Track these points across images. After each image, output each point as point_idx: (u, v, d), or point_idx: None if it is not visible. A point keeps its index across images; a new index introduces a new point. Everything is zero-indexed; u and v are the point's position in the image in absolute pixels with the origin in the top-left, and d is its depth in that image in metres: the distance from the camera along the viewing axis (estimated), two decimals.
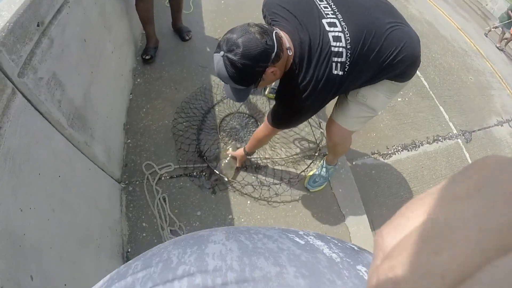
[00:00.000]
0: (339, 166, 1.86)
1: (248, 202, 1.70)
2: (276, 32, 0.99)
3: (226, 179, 1.72)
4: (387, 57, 1.07)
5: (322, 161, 1.75)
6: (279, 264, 0.26)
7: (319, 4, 1.05)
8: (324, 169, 1.71)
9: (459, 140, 2.67)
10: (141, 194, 1.64)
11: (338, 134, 1.39)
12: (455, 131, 2.71)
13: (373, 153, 2.22)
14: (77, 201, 1.17)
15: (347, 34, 1.00)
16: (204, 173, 1.75)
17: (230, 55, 0.95)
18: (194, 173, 1.75)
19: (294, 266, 0.25)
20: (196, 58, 2.24)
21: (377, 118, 2.51)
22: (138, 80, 2.00)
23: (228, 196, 1.71)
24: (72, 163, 1.20)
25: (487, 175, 0.15)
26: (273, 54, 0.96)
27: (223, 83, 1.09)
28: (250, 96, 2.04)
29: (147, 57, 2.03)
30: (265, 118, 1.35)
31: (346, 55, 1.00)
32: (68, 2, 1.13)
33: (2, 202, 0.81)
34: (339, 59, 1.00)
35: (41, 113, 1.04)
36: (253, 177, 1.77)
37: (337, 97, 1.37)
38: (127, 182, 1.66)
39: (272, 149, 1.88)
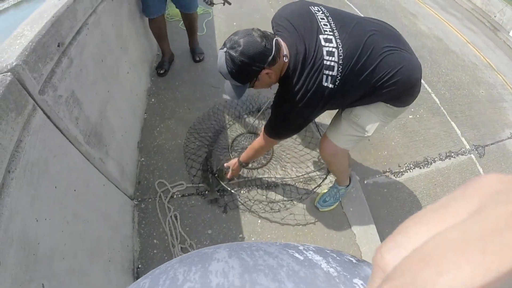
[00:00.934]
0: (350, 185, 1.82)
1: (259, 221, 1.68)
2: (276, 39, 1.07)
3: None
4: (380, 78, 1.10)
5: (333, 182, 1.74)
6: (278, 280, 0.26)
7: (320, 21, 1.11)
8: (334, 190, 1.70)
9: (472, 155, 2.60)
10: (153, 212, 1.65)
11: (328, 149, 1.41)
12: (467, 146, 2.65)
13: (384, 172, 2.19)
14: (90, 215, 1.19)
15: (340, 50, 1.06)
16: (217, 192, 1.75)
17: (231, 52, 1.04)
18: (206, 192, 1.75)
19: (293, 282, 0.26)
20: (209, 79, 2.32)
21: (388, 136, 2.51)
22: (152, 100, 2.08)
23: (238, 215, 1.69)
24: (87, 178, 1.23)
25: (488, 194, 0.15)
26: (270, 57, 1.04)
27: (229, 96, 1.20)
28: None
29: (161, 71, 2.14)
30: (262, 129, 1.39)
31: (338, 70, 1.06)
32: (87, 24, 1.21)
33: (20, 211, 0.84)
34: (330, 72, 1.06)
35: (59, 129, 1.09)
36: (263, 196, 1.75)
37: (334, 115, 1.43)
38: (139, 199, 1.68)
39: (283, 169, 1.87)
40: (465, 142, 2.68)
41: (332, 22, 1.12)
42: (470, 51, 4.13)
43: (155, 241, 1.57)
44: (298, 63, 1.07)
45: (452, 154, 2.51)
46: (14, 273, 0.76)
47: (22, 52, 0.90)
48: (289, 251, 0.30)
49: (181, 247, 1.55)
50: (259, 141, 1.43)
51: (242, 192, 1.76)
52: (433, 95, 3.07)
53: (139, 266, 1.50)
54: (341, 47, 1.07)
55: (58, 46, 1.06)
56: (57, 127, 1.07)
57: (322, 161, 1.92)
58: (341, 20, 1.14)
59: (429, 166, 2.35)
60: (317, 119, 2.15)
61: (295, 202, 1.74)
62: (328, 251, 0.32)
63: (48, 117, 1.03)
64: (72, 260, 1.03)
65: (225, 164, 1.70)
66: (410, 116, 2.70)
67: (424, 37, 4.04)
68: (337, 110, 1.41)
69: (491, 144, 2.82)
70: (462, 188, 0.17)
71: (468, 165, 2.49)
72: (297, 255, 0.30)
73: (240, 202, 1.73)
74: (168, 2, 2.04)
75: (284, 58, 1.08)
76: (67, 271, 0.99)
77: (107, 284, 1.22)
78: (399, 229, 0.17)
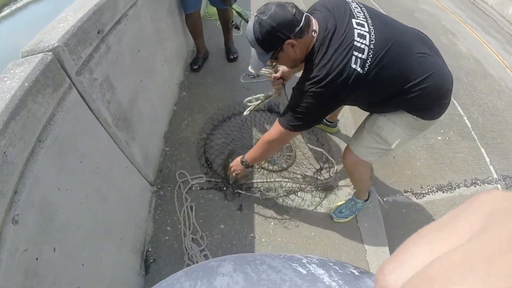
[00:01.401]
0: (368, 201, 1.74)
1: (272, 223, 1.66)
2: (307, 15, 1.07)
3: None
4: (410, 78, 1.05)
5: (352, 194, 1.68)
6: None
7: (354, 9, 1.08)
8: (351, 202, 1.64)
9: (498, 185, 2.38)
10: (170, 200, 1.71)
11: (349, 159, 1.37)
12: (495, 176, 2.43)
13: (406, 191, 2.09)
14: (109, 193, 1.27)
15: (372, 36, 1.02)
16: (231, 190, 1.77)
17: (261, 16, 1.04)
18: (224, 188, 1.77)
19: None
20: (241, 79, 2.36)
21: (413, 155, 2.39)
22: (184, 93, 2.17)
23: (252, 215, 1.69)
24: (111, 159, 1.31)
25: (491, 213, 0.15)
26: (298, 28, 1.02)
27: (251, 66, 1.22)
28: None
29: (195, 67, 2.22)
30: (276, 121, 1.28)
31: (368, 54, 1.00)
32: (127, 16, 1.30)
33: (44, 178, 0.91)
34: (360, 55, 1.00)
35: (91, 110, 1.17)
36: (280, 199, 1.73)
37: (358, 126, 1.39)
38: (159, 186, 1.75)
39: (303, 174, 1.84)
40: (493, 171, 2.47)
41: (366, 12, 1.09)
42: (509, 76, 3.80)
43: (168, 228, 1.63)
44: (326, 39, 1.03)
45: (478, 181, 2.34)
46: (30, 233, 0.83)
47: (64, 35, 0.99)
48: (293, 264, 0.31)
49: (192, 238, 1.58)
50: (269, 134, 1.29)
51: (259, 193, 1.76)
52: (465, 118, 2.88)
53: (149, 249, 1.56)
54: (373, 33, 1.02)
55: (98, 33, 1.15)
56: (89, 107, 1.16)
57: (343, 172, 1.86)
58: (375, 14, 1.11)
59: (452, 191, 2.22)
60: (344, 131, 2.09)
61: (310, 209, 1.70)
62: (331, 264, 0.32)
63: (82, 97, 1.12)
64: (86, 232, 1.09)
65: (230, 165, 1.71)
66: (439, 137, 2.55)
67: (462, 58, 3.80)
68: (362, 121, 1.35)
69: None
70: (465, 206, 0.16)
71: None
72: (300, 269, 0.30)
73: (255, 202, 1.73)
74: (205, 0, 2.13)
75: (313, 33, 1.06)
76: (80, 241, 1.06)
77: (116, 260, 1.28)
78: (402, 248, 0.16)
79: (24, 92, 0.85)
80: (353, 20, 1.04)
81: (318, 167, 1.85)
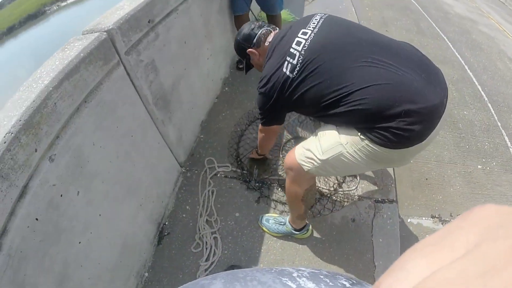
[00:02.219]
0: (387, 216, 1.61)
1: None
2: (267, 29, 1.28)
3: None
4: (342, 85, 0.97)
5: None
6: None
7: (312, 20, 1.12)
8: (282, 220, 1.57)
9: None
10: (195, 182, 1.85)
11: (287, 158, 1.26)
12: None
13: (433, 216, 1.88)
14: (138, 160, 1.44)
15: (307, 42, 1.05)
16: (254, 183, 1.83)
17: (236, 36, 1.35)
18: (248, 179, 1.84)
19: None
20: None
21: (448, 180, 2.11)
22: (226, 88, 2.33)
23: (268, 209, 1.71)
24: (146, 131, 1.49)
25: (486, 228, 0.15)
26: (254, 40, 1.27)
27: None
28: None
29: (240, 66, 2.37)
30: None
31: (298, 59, 1.04)
32: (177, 10, 1.49)
33: (83, 131, 1.11)
34: (291, 60, 1.06)
35: (134, 86, 1.37)
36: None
37: None
38: (188, 168, 1.91)
39: (326, 179, 1.80)
40: None
41: (322, 22, 1.10)
42: None
43: (187, 207, 1.76)
44: (273, 47, 1.16)
45: None
46: (60, 173, 1.02)
47: (118, 20, 1.20)
48: (283, 279, 0.31)
49: (207, 219, 1.68)
50: (259, 127, 1.49)
51: (279, 189, 1.78)
52: (511, 149, 2.43)
53: (166, 223, 1.70)
54: (310, 40, 1.05)
55: (149, 22, 1.35)
56: (132, 83, 1.36)
57: (366, 184, 1.76)
58: (336, 23, 1.09)
59: None
60: None
61: (325, 214, 1.65)
62: (322, 276, 0.32)
63: (128, 73, 1.32)
64: (109, 187, 1.26)
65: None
66: (479, 166, 2.22)
67: None
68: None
69: None
70: (460, 220, 0.16)
71: None
72: (290, 283, 0.31)
73: (274, 198, 1.75)
74: (253, 9, 2.27)
75: (267, 43, 1.25)
76: (102, 193, 1.22)
77: (132, 222, 1.43)
78: (398, 263, 0.16)
79: (79, 60, 1.06)
80: (302, 30, 1.09)
81: (340, 177, 1.80)
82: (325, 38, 1.04)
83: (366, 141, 1.00)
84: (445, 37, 3.99)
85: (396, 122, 0.92)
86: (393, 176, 1.76)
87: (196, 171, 1.89)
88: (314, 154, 1.13)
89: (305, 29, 1.08)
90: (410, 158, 1.11)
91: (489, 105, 2.88)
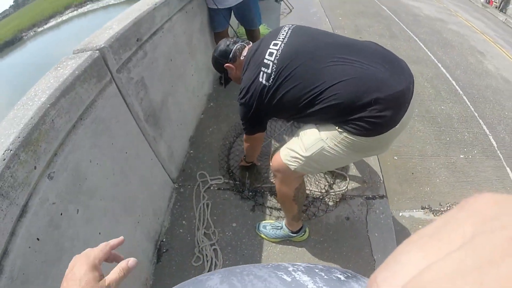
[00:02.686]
0: (380, 211, 1.69)
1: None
2: (242, 45, 1.37)
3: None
4: (316, 86, 1.06)
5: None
6: None
7: (281, 32, 1.22)
8: (278, 225, 1.60)
9: None
10: (189, 197, 1.84)
11: (274, 160, 1.33)
12: None
13: (423, 208, 2.01)
14: (133, 177, 1.44)
15: (279, 52, 1.15)
16: (247, 192, 1.86)
17: (213, 52, 1.43)
18: (241, 190, 1.86)
19: None
20: None
21: (433, 172, 2.28)
22: (211, 104, 2.39)
23: (264, 217, 1.74)
24: (138, 148, 1.50)
25: (482, 218, 0.15)
26: (230, 55, 1.36)
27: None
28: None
29: (222, 81, 2.44)
30: None
31: (272, 68, 1.14)
32: (163, 28, 1.56)
33: (80, 149, 1.11)
34: (266, 70, 1.15)
35: (126, 103, 1.40)
36: None
37: None
38: (180, 184, 1.91)
39: (316, 183, 1.87)
40: None
41: (291, 32, 1.20)
42: None
43: (183, 222, 1.74)
44: (247, 60, 1.26)
45: None
46: (60, 190, 1.00)
47: (109, 38, 1.24)
48: (278, 273, 0.32)
49: (205, 232, 1.67)
50: (244, 137, 1.56)
51: (272, 196, 1.82)
52: (490, 137, 2.72)
53: (163, 240, 1.67)
54: (281, 50, 1.15)
55: (137, 40, 1.41)
56: (124, 100, 1.38)
57: (356, 183, 1.85)
58: (303, 33, 1.19)
59: None
60: None
61: (320, 215, 1.70)
62: (317, 270, 0.33)
63: (120, 91, 1.34)
64: (108, 204, 1.25)
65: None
66: (461, 156, 2.43)
67: (489, 77, 3.64)
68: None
69: None
70: (456, 210, 0.16)
71: None
72: (285, 277, 0.31)
73: (268, 205, 1.79)
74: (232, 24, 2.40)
75: (242, 57, 1.34)
76: (101, 210, 1.20)
77: (130, 241, 1.40)
78: (394, 255, 0.16)
79: (74, 78, 1.08)
80: (272, 41, 1.19)
81: (330, 179, 1.88)
82: (294, 46, 1.15)
83: (344, 133, 1.08)
84: (416, 39, 4.35)
85: (368, 111, 1.01)
86: (380, 173, 1.86)
87: (189, 186, 1.89)
88: (298, 153, 1.20)
89: (276, 40, 1.19)
90: (388, 144, 1.19)
91: (465, 98, 3.14)
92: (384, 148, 1.21)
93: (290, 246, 1.60)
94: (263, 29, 3.20)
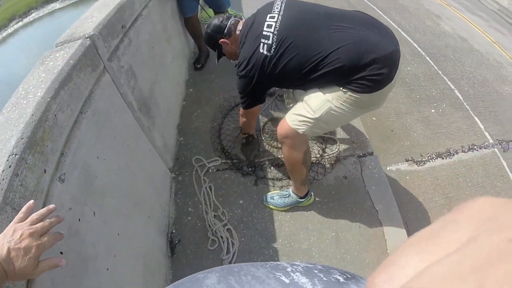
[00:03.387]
0: (372, 167, 1.86)
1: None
2: (236, 20, 1.38)
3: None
4: (318, 53, 1.13)
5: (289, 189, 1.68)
6: None
7: (275, 6, 1.27)
8: (286, 193, 1.67)
9: (495, 149, 2.56)
10: (189, 183, 1.82)
11: (281, 128, 1.37)
12: (491, 141, 2.62)
13: (407, 160, 2.27)
14: (138, 170, 1.38)
15: (278, 24, 1.20)
16: (247, 168, 1.89)
17: (206, 28, 1.43)
18: (240, 167, 1.88)
19: None
20: None
21: (410, 127, 2.53)
22: (191, 90, 2.33)
23: (268, 188, 1.80)
24: (137, 139, 1.44)
25: (480, 221, 0.15)
26: (225, 30, 1.36)
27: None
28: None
29: (198, 66, 2.43)
30: None
31: (273, 39, 1.19)
32: (142, 15, 1.49)
33: (86, 145, 1.03)
34: (266, 41, 1.20)
35: (120, 93, 1.32)
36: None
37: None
38: (177, 172, 1.87)
39: (310, 149, 1.96)
40: (488, 137, 2.65)
41: (284, 6, 1.25)
42: (496, 50, 4.04)
43: (189, 209, 1.73)
44: (245, 34, 1.29)
45: (475, 147, 2.51)
46: (73, 193, 0.93)
47: (97, 26, 1.15)
48: (276, 274, 0.32)
49: (214, 215, 1.68)
50: (240, 112, 1.60)
51: (271, 168, 1.88)
52: (456, 91, 3.08)
53: (173, 231, 1.65)
54: (280, 21, 1.21)
55: (122, 27, 1.32)
56: (118, 90, 1.30)
57: (347, 144, 1.98)
58: (296, 6, 1.26)
59: (451, 157, 2.39)
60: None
61: (319, 178, 1.81)
62: (316, 271, 0.32)
63: (113, 80, 1.26)
64: (120, 202, 1.19)
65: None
66: (432, 110, 2.75)
67: (447, 37, 4.05)
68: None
69: None
70: (455, 213, 0.16)
71: (491, 159, 2.48)
72: (283, 278, 0.31)
73: (269, 177, 1.84)
74: (203, 6, 2.34)
75: (238, 31, 1.36)
76: (114, 209, 1.15)
77: (145, 237, 1.37)
78: (392, 258, 0.16)
79: (70, 67, 1.00)
80: (268, 15, 1.24)
81: (321, 144, 1.99)
82: (291, 18, 1.21)
83: (349, 93, 1.18)
84: (374, 7, 4.60)
85: (368, 70, 1.12)
86: (365, 132, 2.02)
87: (187, 173, 1.86)
88: (306, 116, 1.28)
89: (271, 13, 1.24)
90: (384, 99, 1.31)
91: (427, 58, 3.44)
92: (381, 103, 1.33)
93: (299, 212, 1.68)
94: (230, 11, 3.15)
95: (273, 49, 1.19)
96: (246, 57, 1.24)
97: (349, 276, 0.32)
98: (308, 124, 1.29)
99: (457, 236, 0.15)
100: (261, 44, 1.20)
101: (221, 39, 1.38)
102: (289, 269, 0.32)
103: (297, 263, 0.34)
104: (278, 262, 0.35)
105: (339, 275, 0.32)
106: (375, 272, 0.16)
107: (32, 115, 0.87)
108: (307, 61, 1.16)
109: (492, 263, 0.12)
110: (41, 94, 0.91)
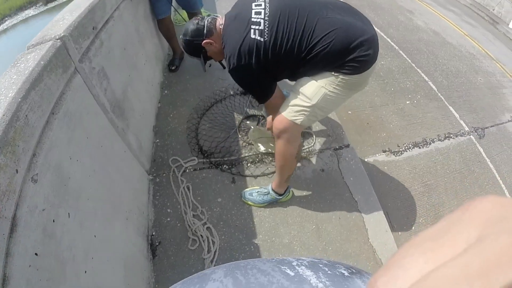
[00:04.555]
0: (349, 159, 1.94)
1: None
2: (212, 17, 1.34)
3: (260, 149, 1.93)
4: (310, 37, 1.19)
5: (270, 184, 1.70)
6: None
7: None
8: (265, 190, 1.69)
9: (471, 136, 2.70)
10: (167, 184, 1.82)
11: (277, 122, 1.39)
12: (466, 128, 2.76)
13: (384, 151, 2.31)
14: (114, 172, 1.37)
15: (267, 10, 1.22)
16: (225, 166, 1.92)
17: (182, 37, 1.38)
18: (216, 166, 1.91)
19: None
20: (216, 72, 2.52)
21: (386, 119, 2.61)
22: (165, 91, 2.33)
23: (246, 185, 1.83)
24: (112, 141, 1.43)
25: (488, 221, 0.14)
26: (205, 30, 1.31)
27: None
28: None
29: (172, 67, 2.43)
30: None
31: (264, 24, 1.20)
32: (113, 17, 1.49)
33: (58, 145, 1.02)
34: (257, 27, 1.20)
35: (92, 94, 1.31)
36: (268, 169, 1.90)
37: None
38: (154, 174, 1.86)
39: None
40: (464, 125, 2.78)
41: None
42: (468, 43, 4.28)
43: (168, 210, 1.73)
44: (229, 26, 1.28)
45: (451, 135, 2.62)
46: (46, 194, 0.91)
47: (67, 27, 1.15)
48: (282, 267, 0.32)
49: (193, 214, 1.69)
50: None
51: (249, 165, 1.92)
52: (430, 83, 3.23)
53: (153, 233, 1.64)
54: (268, 8, 1.22)
55: (93, 29, 1.32)
56: (90, 91, 1.29)
57: (322, 138, 2.07)
58: None
59: (428, 146, 2.48)
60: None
61: (298, 172, 1.87)
62: (321, 265, 0.33)
63: (84, 82, 1.25)
64: (96, 204, 1.18)
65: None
66: (407, 102, 2.85)
67: (420, 31, 4.23)
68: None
69: (491, 126, 2.91)
70: (460, 212, 0.16)
71: (468, 146, 2.59)
72: (288, 271, 0.31)
73: (247, 174, 1.88)
74: (176, 8, 2.35)
75: (220, 26, 1.32)
76: (91, 211, 1.13)
77: (125, 240, 1.36)
78: (395, 259, 0.16)
79: (41, 68, 0.99)
80: (253, 3, 1.25)
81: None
82: (280, 5, 1.24)
83: (341, 76, 1.25)
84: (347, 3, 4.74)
85: (357, 52, 1.20)
86: (341, 125, 2.10)
87: (164, 175, 1.86)
88: (302, 106, 1.31)
89: (256, 2, 1.25)
90: (369, 78, 1.37)
91: (401, 52, 3.57)
92: (367, 82, 1.40)
93: (278, 207, 1.73)
94: (203, 12, 3.17)
95: (266, 35, 1.19)
96: (236, 47, 1.21)
97: (354, 270, 0.32)
98: (305, 113, 1.32)
99: (464, 237, 0.14)
100: (252, 30, 1.20)
101: (203, 41, 1.33)
102: (294, 263, 0.33)
103: (302, 258, 0.35)
104: (284, 258, 0.35)
105: (344, 269, 0.32)
106: (377, 273, 0.16)
107: (3, 115, 0.86)
108: (302, 45, 1.20)
109: (501, 266, 0.12)
110: (12, 95, 0.91)
